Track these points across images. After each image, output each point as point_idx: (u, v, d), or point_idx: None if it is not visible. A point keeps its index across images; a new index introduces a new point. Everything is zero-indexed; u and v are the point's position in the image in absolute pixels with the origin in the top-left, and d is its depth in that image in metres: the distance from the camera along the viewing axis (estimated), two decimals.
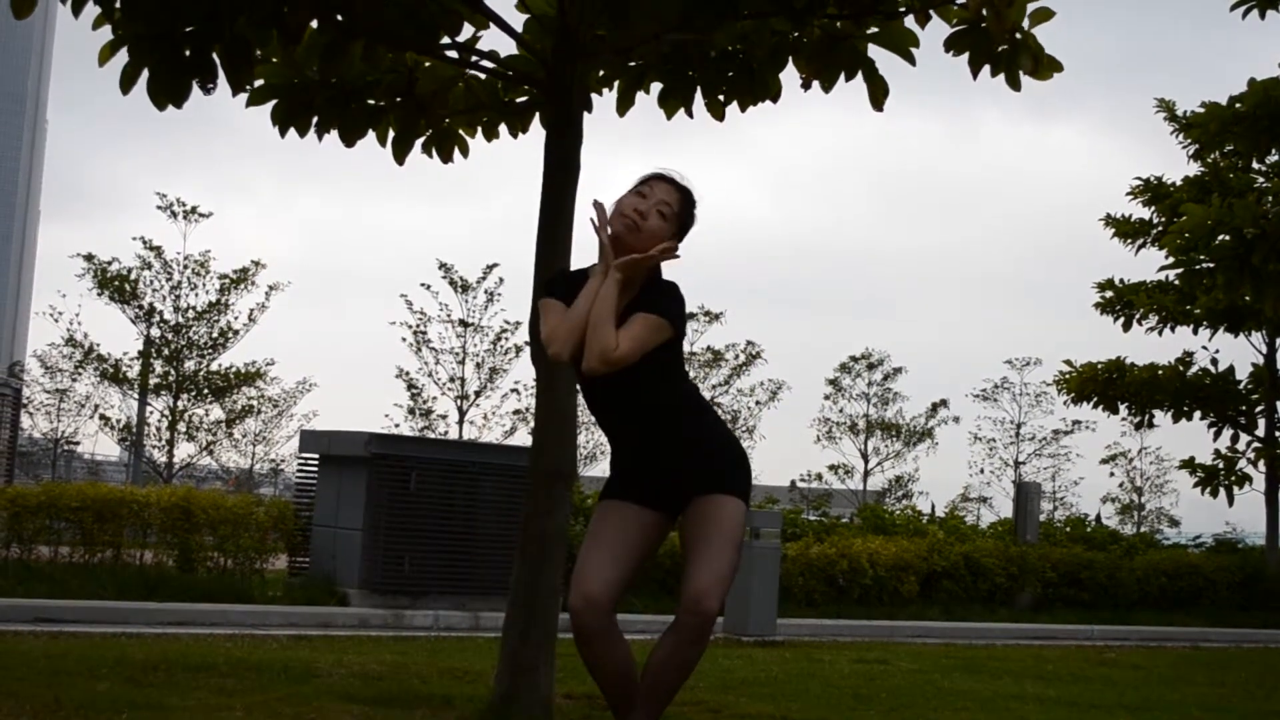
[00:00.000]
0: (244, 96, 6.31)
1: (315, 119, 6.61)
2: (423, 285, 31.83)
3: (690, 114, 6.77)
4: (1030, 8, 5.93)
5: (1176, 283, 19.77)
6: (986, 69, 6.08)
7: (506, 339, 31.70)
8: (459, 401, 32.29)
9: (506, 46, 6.56)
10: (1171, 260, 15.44)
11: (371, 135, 6.82)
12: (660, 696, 4.22)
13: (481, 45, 6.51)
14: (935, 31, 6.20)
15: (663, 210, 4.25)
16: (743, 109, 6.73)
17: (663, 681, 4.19)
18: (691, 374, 22.26)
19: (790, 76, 6.58)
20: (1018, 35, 5.95)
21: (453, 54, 6.45)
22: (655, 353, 4.22)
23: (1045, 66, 6.05)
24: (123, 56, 5.99)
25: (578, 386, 4.50)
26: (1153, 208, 21.92)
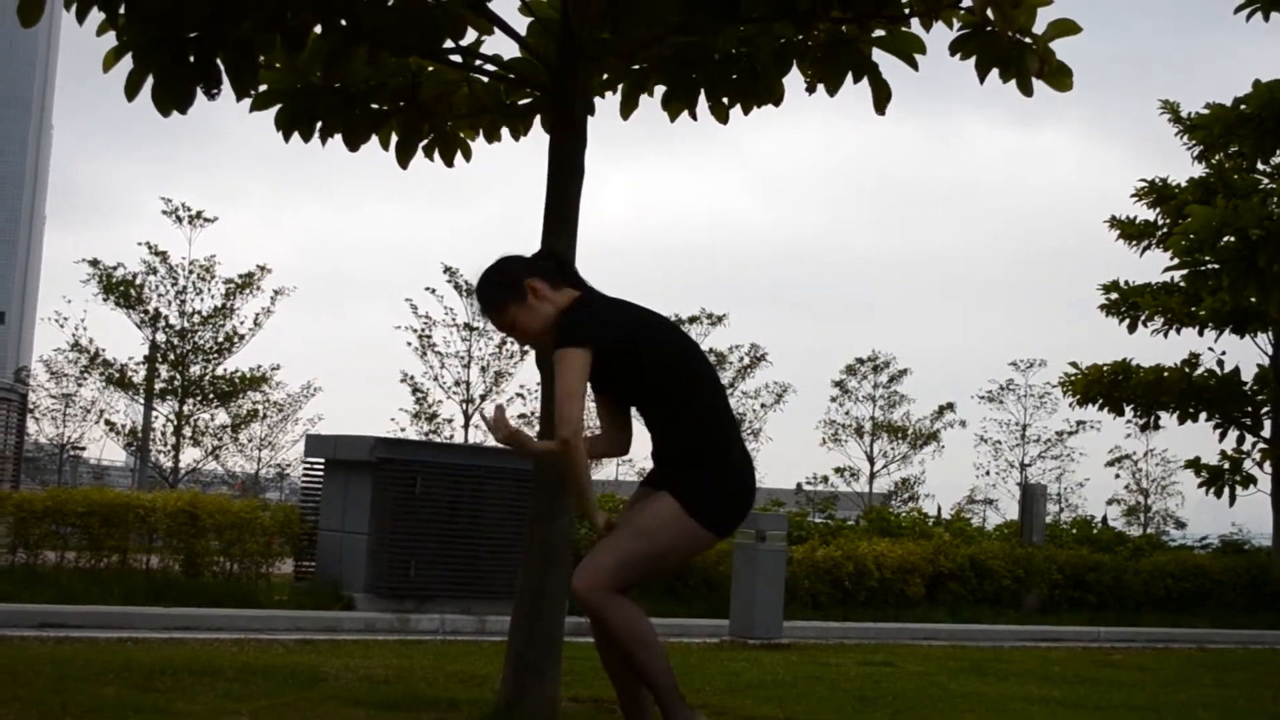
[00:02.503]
0: (243, 103, 6.31)
1: (319, 124, 6.62)
2: (427, 289, 31.90)
3: (694, 116, 6.78)
4: (1043, 13, 5.92)
5: (1182, 284, 19.79)
6: (995, 75, 6.08)
7: (511, 343, 31.69)
8: (464, 405, 32.33)
9: (510, 50, 6.57)
10: (1177, 261, 15.43)
11: (373, 139, 6.84)
12: (647, 696, 4.20)
13: (485, 49, 6.51)
14: (933, 35, 6.20)
15: (509, 330, 4.36)
16: (746, 112, 6.74)
17: (636, 679, 4.17)
18: None
19: (793, 80, 6.60)
20: (1026, 39, 5.94)
21: (456, 58, 6.45)
22: (621, 389, 4.26)
23: (1058, 73, 6.03)
24: (127, 63, 6.00)
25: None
26: (1158, 209, 21.91)
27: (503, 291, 4.34)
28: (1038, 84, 6.08)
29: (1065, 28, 5.98)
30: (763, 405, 40.90)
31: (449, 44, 6.32)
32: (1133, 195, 22.07)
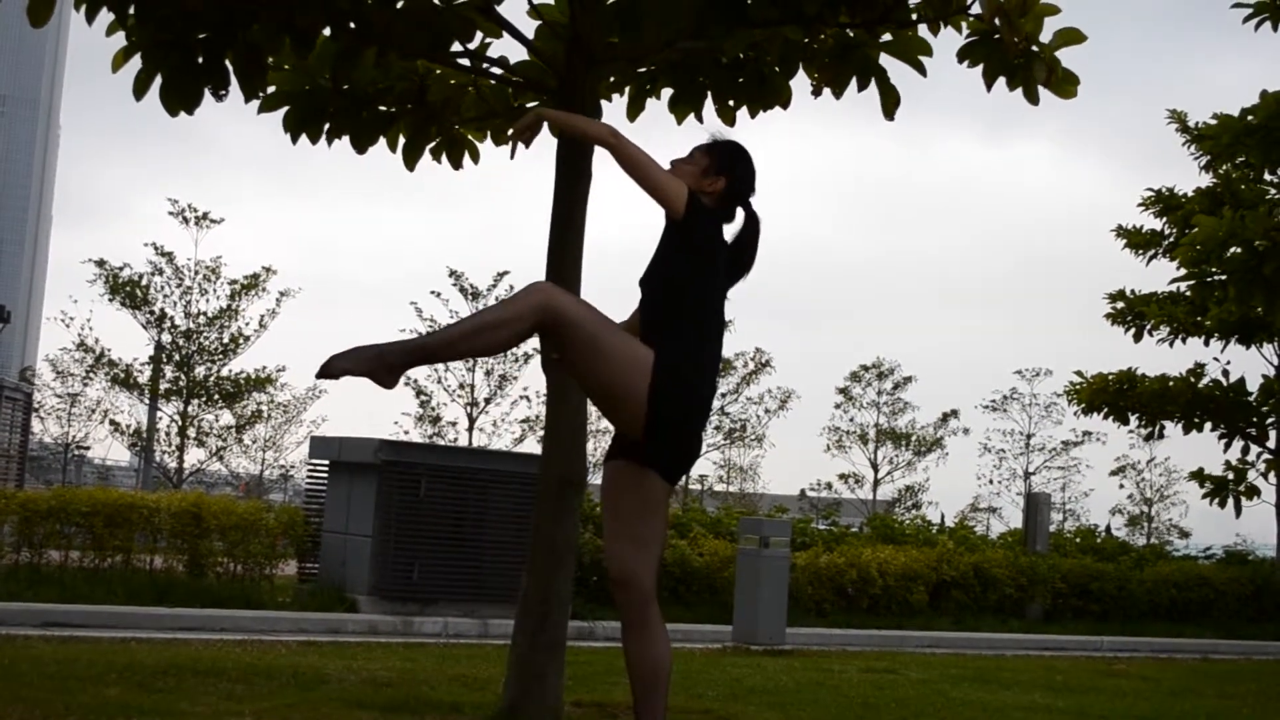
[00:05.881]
0: (239, 105, 6.33)
1: (327, 125, 6.63)
2: (433, 293, 31.85)
3: (700, 119, 6.79)
4: (1049, 22, 5.93)
5: (1188, 294, 19.79)
6: (1002, 82, 6.08)
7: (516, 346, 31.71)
8: (469, 409, 32.31)
9: (518, 53, 6.58)
10: (1184, 273, 15.44)
11: (381, 141, 6.84)
12: (661, 698, 4.15)
13: (493, 52, 6.52)
14: (942, 43, 6.22)
15: (684, 162, 4.41)
16: (753, 115, 6.75)
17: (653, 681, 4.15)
18: None
19: (800, 84, 6.60)
20: (1033, 47, 5.94)
21: (464, 61, 6.46)
22: (667, 237, 4.24)
23: (1063, 81, 6.04)
24: (136, 63, 6.01)
25: None
26: (1164, 219, 21.91)
27: (718, 157, 4.41)
28: (1012, 95, 6.11)
29: (1071, 36, 5.99)
30: (766, 411, 40.84)
31: (457, 47, 6.33)
32: (1139, 204, 22.06)
